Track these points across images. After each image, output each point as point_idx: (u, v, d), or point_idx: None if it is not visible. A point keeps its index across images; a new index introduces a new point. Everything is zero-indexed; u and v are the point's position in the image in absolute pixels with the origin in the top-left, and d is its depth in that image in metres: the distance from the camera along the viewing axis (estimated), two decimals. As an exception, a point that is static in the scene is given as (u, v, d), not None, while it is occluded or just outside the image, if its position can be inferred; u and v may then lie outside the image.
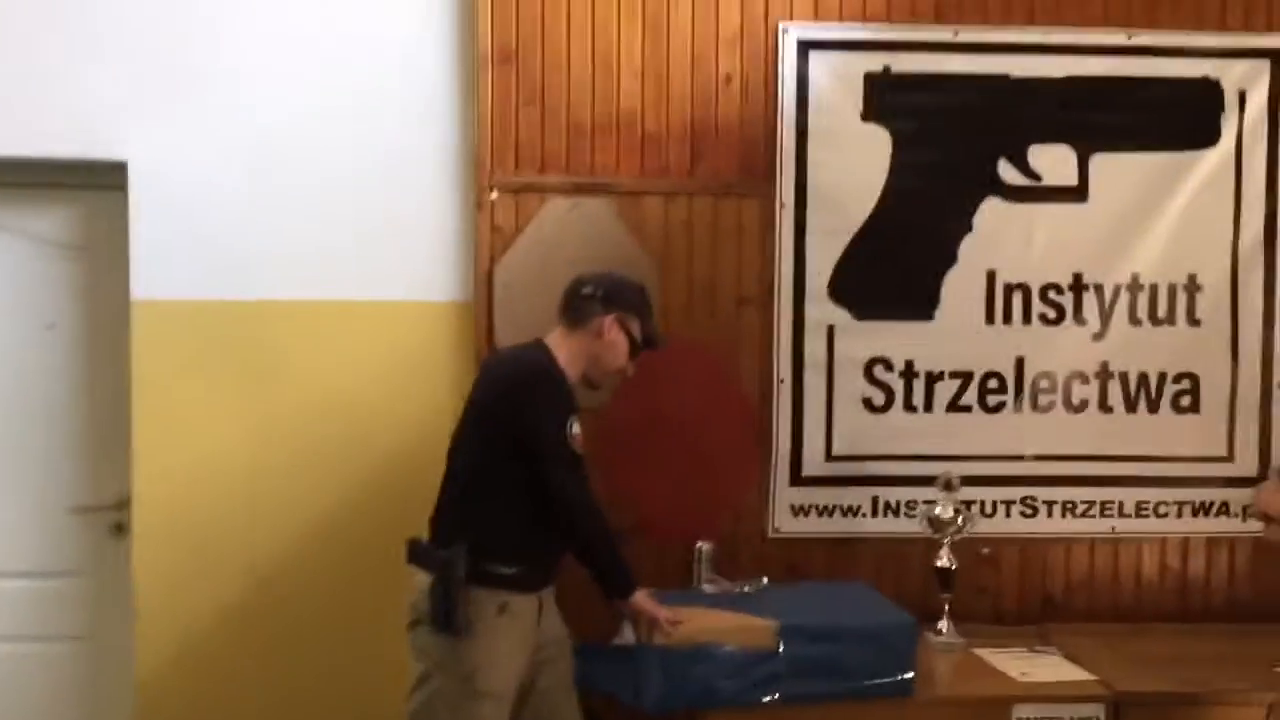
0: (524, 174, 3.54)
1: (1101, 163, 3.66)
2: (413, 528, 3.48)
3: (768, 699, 2.99)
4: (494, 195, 3.53)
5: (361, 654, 3.55)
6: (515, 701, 2.95)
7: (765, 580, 3.37)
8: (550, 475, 2.88)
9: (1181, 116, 3.69)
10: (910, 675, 3.08)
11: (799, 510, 3.63)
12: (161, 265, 3.48)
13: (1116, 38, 3.64)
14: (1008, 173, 3.66)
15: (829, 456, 3.65)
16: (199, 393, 3.52)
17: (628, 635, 3.12)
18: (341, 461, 3.55)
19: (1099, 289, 3.68)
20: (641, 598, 2.99)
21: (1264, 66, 3.68)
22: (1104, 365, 3.70)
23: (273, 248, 3.52)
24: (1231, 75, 3.67)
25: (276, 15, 3.52)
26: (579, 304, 3.04)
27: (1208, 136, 3.69)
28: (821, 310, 3.62)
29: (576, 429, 2.93)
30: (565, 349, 3.01)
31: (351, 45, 3.53)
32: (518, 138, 3.54)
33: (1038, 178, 3.66)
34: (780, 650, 3.00)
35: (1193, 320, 3.71)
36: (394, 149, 3.55)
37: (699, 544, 3.50)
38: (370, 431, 3.55)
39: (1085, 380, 3.70)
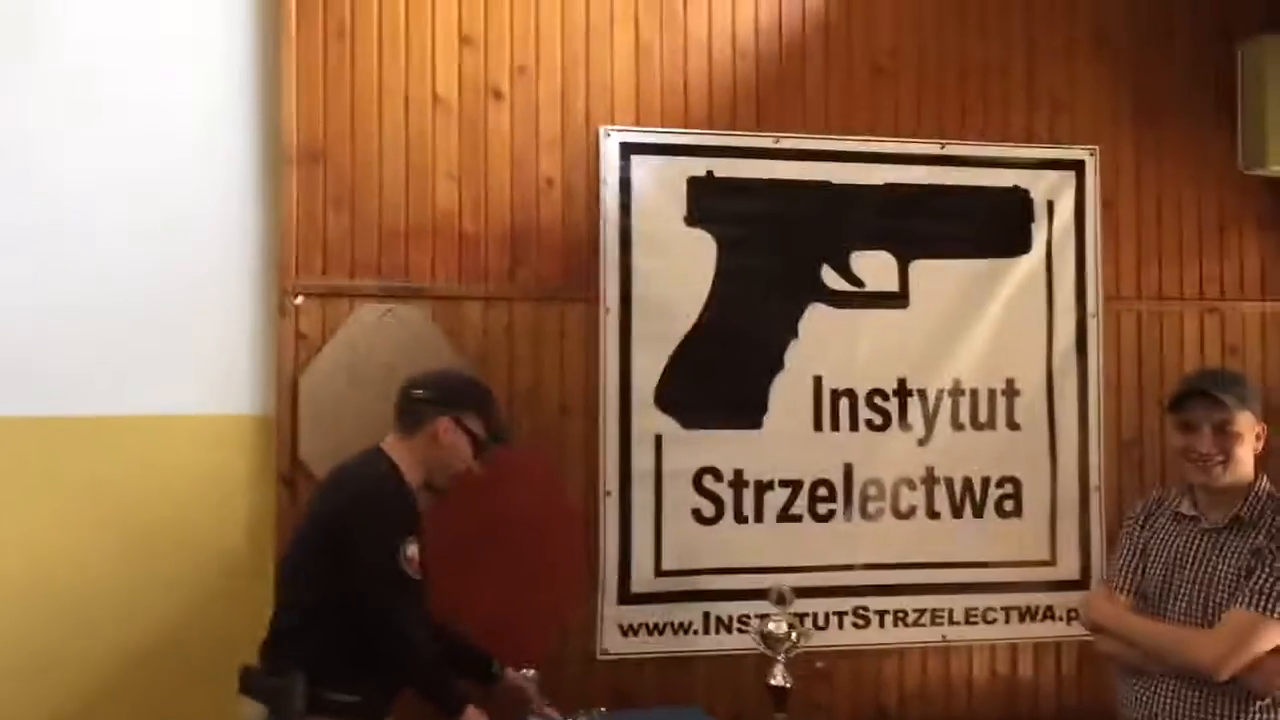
0: (332, 278, 3.35)
1: (921, 269, 3.69)
2: (217, 659, 3.20)
3: None
4: (299, 300, 3.32)
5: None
6: None
7: (602, 710, 3.16)
8: (376, 603, 2.68)
9: (995, 224, 3.76)
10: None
11: (628, 629, 3.46)
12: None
13: (931, 148, 3.71)
14: (831, 278, 3.65)
15: (659, 571, 3.50)
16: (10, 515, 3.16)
17: None
18: (145, 584, 3.23)
19: (923, 394, 3.69)
20: (472, 714, 2.77)
21: (1070, 178, 3.80)
22: (930, 470, 3.70)
23: (59, 358, 3.22)
24: (1040, 185, 3.78)
25: (65, 81, 3.25)
26: (412, 408, 2.88)
27: (1020, 244, 3.77)
28: (648, 419, 3.51)
29: (412, 551, 2.72)
30: (403, 457, 2.84)
31: (144, 124, 3.29)
32: (325, 240, 3.35)
33: (860, 283, 3.67)
34: None
35: (1012, 424, 3.75)
36: (189, 249, 3.31)
37: (524, 670, 3.27)
38: (172, 554, 3.25)
39: (912, 486, 3.69)
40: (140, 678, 3.23)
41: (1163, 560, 2.70)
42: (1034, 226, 3.77)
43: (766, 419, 3.58)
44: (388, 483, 2.78)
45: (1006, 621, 3.73)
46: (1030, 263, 3.76)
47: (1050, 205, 3.78)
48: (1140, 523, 2.80)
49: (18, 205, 3.23)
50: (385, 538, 2.70)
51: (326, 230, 3.35)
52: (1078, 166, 3.80)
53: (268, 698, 2.65)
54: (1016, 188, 3.77)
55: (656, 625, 3.49)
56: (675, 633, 3.50)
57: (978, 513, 3.72)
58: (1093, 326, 3.80)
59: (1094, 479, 3.78)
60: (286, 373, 3.31)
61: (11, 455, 3.19)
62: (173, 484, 3.26)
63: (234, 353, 3.33)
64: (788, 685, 3.34)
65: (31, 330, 3.22)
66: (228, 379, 3.32)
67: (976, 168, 3.73)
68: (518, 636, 3.31)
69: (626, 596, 3.47)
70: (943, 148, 3.71)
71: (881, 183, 3.68)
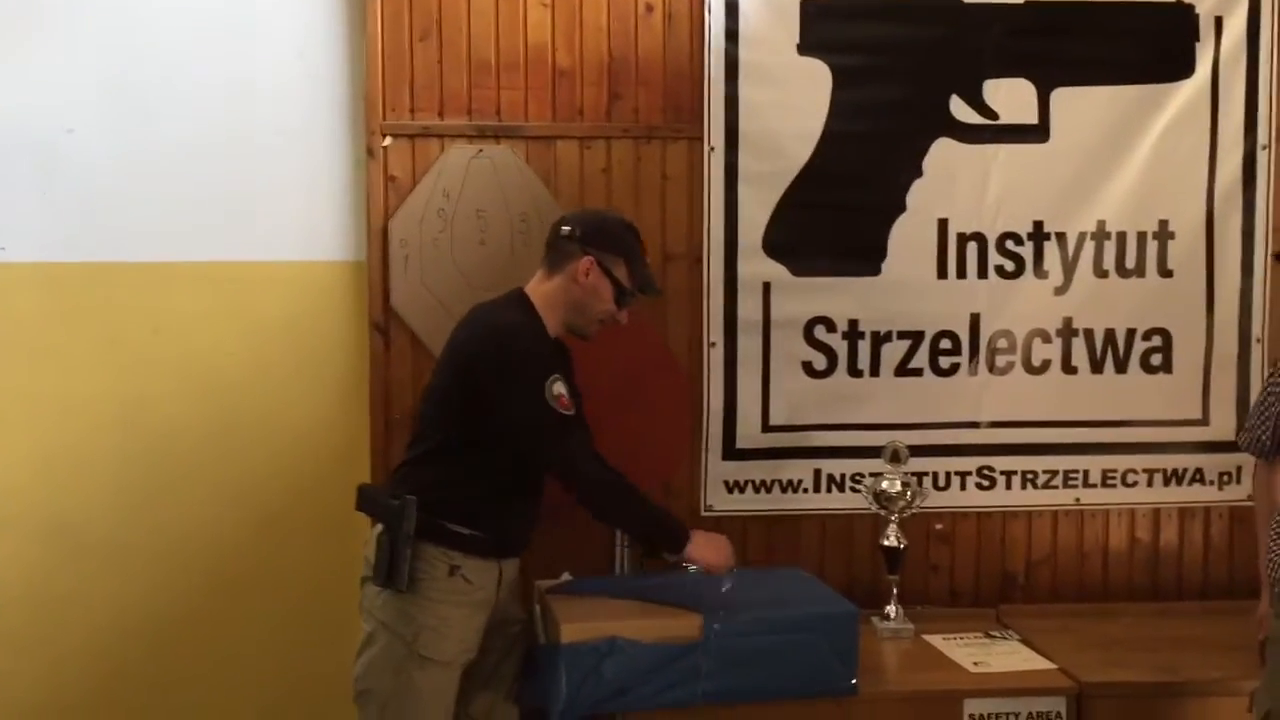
0: (421, 118, 3.20)
1: (1064, 98, 3.33)
2: (309, 505, 3.28)
3: (689, 698, 2.69)
4: (387, 142, 3.19)
5: (261, 655, 3.27)
6: (475, 675, 2.74)
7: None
8: (536, 448, 2.66)
9: (1152, 46, 3.36)
10: (851, 670, 2.78)
11: (733, 486, 3.32)
12: (14, 223, 3.14)
13: (1081, -41, 3.31)
14: (960, 110, 3.32)
15: (766, 427, 3.33)
16: (61, 367, 3.18)
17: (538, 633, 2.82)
18: (227, 438, 3.24)
19: (1061, 238, 3.37)
20: (702, 542, 2.76)
21: (1243, -12, 3.36)
22: (1067, 322, 3.39)
23: (141, 204, 3.17)
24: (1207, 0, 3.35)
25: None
26: (557, 244, 2.77)
27: (1181, 67, 3.36)
28: (756, 266, 3.29)
29: (559, 389, 2.65)
30: (543, 295, 2.75)
31: (225, -27, 3.17)
32: (413, 77, 3.19)
33: (994, 115, 3.33)
34: (703, 643, 2.69)
35: (1164, 271, 3.40)
36: (273, 92, 3.20)
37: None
38: (255, 406, 3.24)
39: (1047, 339, 3.39)
40: (232, 520, 3.26)
41: None
42: (1198, 46, 3.34)
43: (885, 265, 3.32)
44: (525, 326, 2.70)
45: (1149, 484, 3.44)
46: (1192, 88, 3.35)
47: (1218, 22, 3.34)
48: None
49: (106, 55, 3.17)
50: (528, 381, 2.63)
51: (414, 66, 3.19)
52: (1253, -23, 3.34)
53: (382, 515, 2.67)
54: (1179, 3, 3.33)
55: (763, 482, 3.33)
56: (783, 490, 3.34)
57: (1120, 368, 3.41)
58: (1263, 160, 3.38)
59: (1255, 330, 3.41)
60: (377, 217, 3.20)
61: (103, 301, 3.19)
62: (262, 332, 3.23)
63: (323, 197, 3.23)
64: (902, 546, 3.21)
65: (120, 178, 3.18)
66: (317, 224, 3.23)
67: (1133, -20, 3.31)
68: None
69: (731, 452, 3.32)
70: (1095, -41, 3.31)
71: (1021, 0, 3.30)
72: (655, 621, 2.72)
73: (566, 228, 2.76)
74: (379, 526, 2.69)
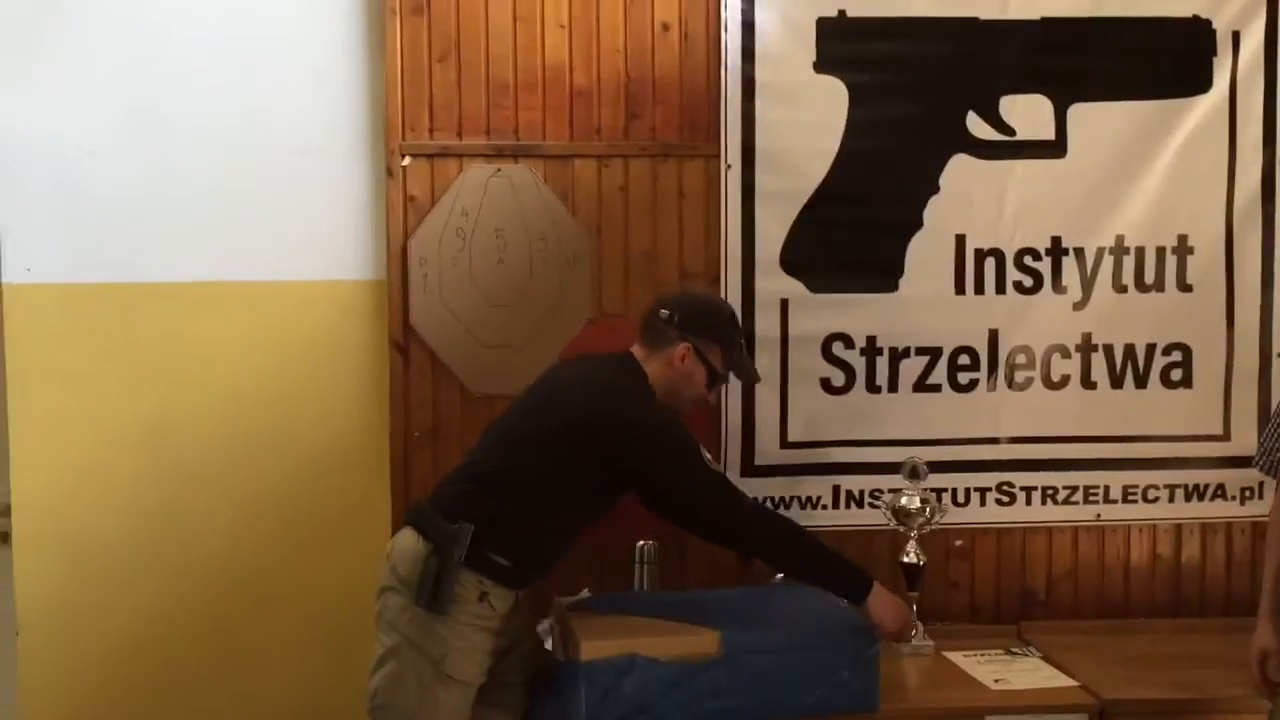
0: (439, 138, 3.21)
1: (1081, 113, 3.32)
2: (329, 524, 3.29)
3: (709, 717, 2.68)
4: (406, 162, 3.20)
5: (281, 671, 3.28)
6: (484, 696, 2.75)
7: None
8: (707, 519, 2.76)
9: (1169, 60, 3.34)
10: (872, 688, 2.78)
11: (752, 503, 3.31)
12: (34, 245, 3.17)
13: (1097, -26, 3.31)
14: (977, 127, 3.32)
15: (784, 443, 3.33)
16: (84, 387, 3.20)
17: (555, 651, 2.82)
18: (247, 457, 3.25)
19: (1080, 253, 3.35)
20: (882, 600, 2.78)
21: (1259, 3, 3.33)
22: (1086, 337, 3.38)
23: (161, 224, 3.19)
24: (1224, 14, 3.33)
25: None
26: (655, 327, 2.84)
27: (1199, 82, 3.34)
28: (774, 283, 3.29)
29: (706, 453, 2.77)
30: (648, 370, 2.83)
31: (244, -2, 3.21)
32: (431, 97, 3.21)
33: (1011, 131, 3.32)
34: (723, 660, 2.69)
35: (1184, 286, 3.38)
36: (293, 112, 3.22)
37: (640, 542, 3.18)
38: (276, 425, 3.25)
39: (1066, 354, 3.38)
40: (254, 538, 3.27)
41: None
42: (1215, 61, 3.33)
43: (903, 281, 3.32)
44: (657, 400, 2.79)
45: (1170, 500, 3.42)
46: (1210, 103, 3.34)
47: (1235, 36, 3.33)
48: None
49: (127, 77, 3.19)
50: (691, 459, 2.72)
51: (433, 87, 3.20)
52: (1271, -10, 3.33)
53: (436, 537, 2.66)
54: (1196, 17, 3.32)
55: (782, 499, 3.32)
56: (801, 507, 3.33)
57: (1140, 383, 3.39)
58: (1282, 174, 3.38)
59: (1276, 344, 3.39)
60: (396, 237, 3.21)
61: (125, 321, 3.21)
62: (283, 351, 3.24)
63: (343, 217, 3.24)
64: (921, 563, 3.20)
65: (142, 200, 3.20)
66: (337, 244, 3.24)
67: (1149, -5, 3.31)
68: (633, 514, 3.21)
69: (750, 469, 3.31)
70: (1111, -26, 3.31)
71: (1037, 17, 3.29)
72: (674, 639, 2.71)
73: (665, 311, 2.82)
74: (420, 544, 2.67)
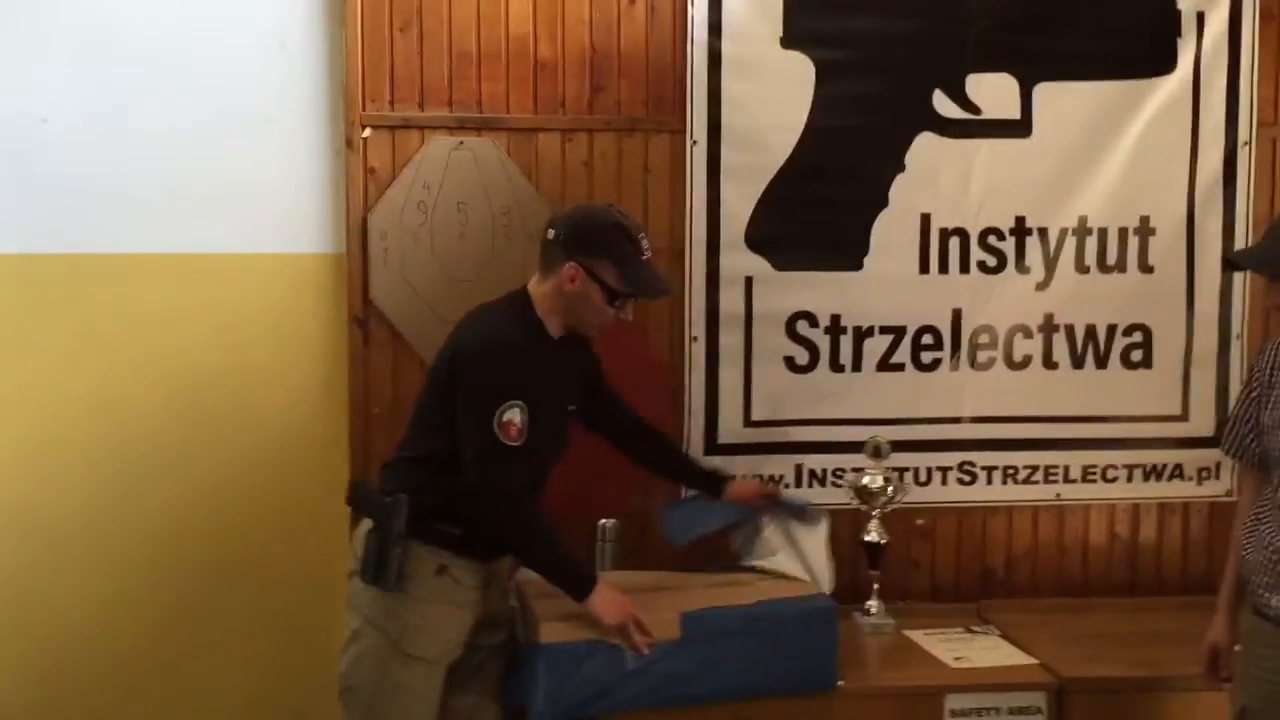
0: (401, 109, 3.16)
1: (1046, 93, 3.32)
2: (288, 500, 3.25)
3: (671, 700, 2.68)
4: (367, 133, 3.15)
5: (238, 651, 3.26)
6: (461, 673, 2.71)
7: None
8: (466, 468, 2.58)
9: (1134, 41, 3.35)
10: (832, 666, 2.79)
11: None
12: (-16, 215, 3.10)
13: (1064, -47, 3.30)
14: (943, 105, 3.31)
15: (748, 422, 3.32)
16: (34, 360, 3.14)
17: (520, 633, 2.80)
18: (203, 432, 3.21)
19: (1043, 233, 3.36)
20: (601, 599, 2.63)
21: (1224, -15, 3.35)
22: (1048, 318, 3.39)
23: (115, 195, 3.14)
24: (1189, -5, 3.35)
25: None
26: (545, 249, 2.67)
27: (1163, 63, 3.35)
28: (739, 260, 3.27)
29: (511, 416, 2.55)
30: (541, 298, 2.67)
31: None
32: (393, 67, 3.16)
33: (976, 110, 3.32)
34: (682, 643, 2.68)
35: (1145, 267, 3.40)
36: (251, 82, 3.16)
37: (602, 521, 3.17)
38: (234, 400, 3.21)
39: (1028, 334, 3.39)
40: (210, 514, 3.23)
41: None
42: (1180, 42, 3.34)
43: (867, 260, 3.31)
44: (505, 338, 2.61)
45: (1129, 480, 3.45)
46: (1173, 84, 3.34)
47: (1200, 17, 3.34)
48: (1265, 372, 2.53)
49: (81, 44, 3.12)
50: (483, 402, 2.57)
51: (394, 56, 3.15)
52: (1235, -27, 3.34)
53: (374, 513, 2.63)
54: (1161, -1, 3.34)
55: (745, 477, 3.27)
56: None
57: (1101, 363, 3.41)
58: (1244, 156, 3.38)
59: (1235, 326, 3.42)
60: (356, 210, 3.16)
61: (78, 293, 3.15)
62: (241, 325, 3.19)
63: (301, 189, 3.20)
64: (883, 542, 3.21)
65: (96, 169, 3.14)
66: (296, 216, 3.20)
67: (1115, -25, 3.30)
68: (600, 488, 3.19)
69: (713, 447, 3.30)
70: (1078, -47, 3.30)
71: (1004, -5, 3.30)
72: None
73: (552, 231, 2.67)
74: (367, 523, 2.66)
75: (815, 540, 2.99)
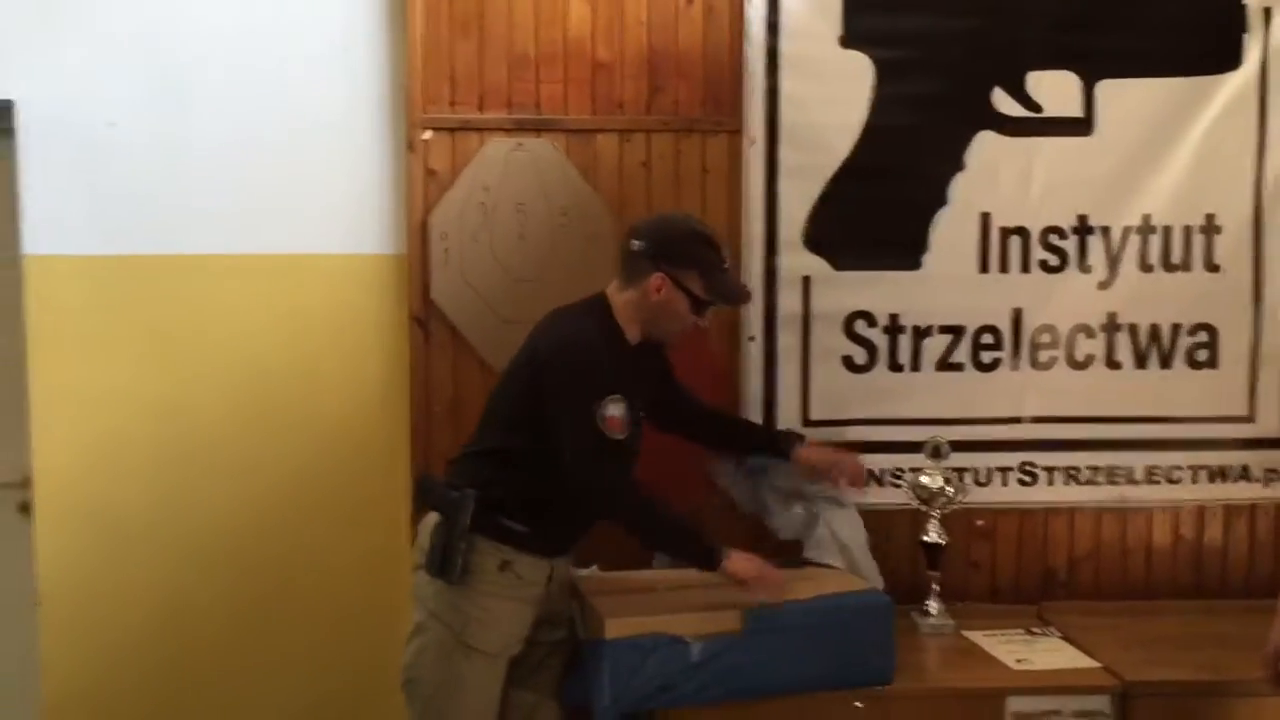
0: (461, 111, 3.19)
1: (1108, 90, 3.28)
2: (350, 497, 3.29)
3: (732, 694, 2.69)
4: (427, 135, 3.18)
5: (304, 647, 3.29)
6: (521, 669, 2.75)
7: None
8: (569, 463, 2.63)
9: (1199, 37, 3.30)
10: (889, 660, 2.79)
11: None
12: (57, 217, 3.15)
13: (1127, -51, 3.27)
14: (1004, 103, 3.28)
15: (806, 421, 3.30)
16: (104, 359, 3.19)
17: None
18: (267, 430, 3.25)
19: (1106, 232, 3.32)
20: (736, 563, 2.69)
21: (1292, -20, 3.30)
22: (1111, 317, 3.35)
23: (182, 196, 3.18)
24: (1256, -12, 3.30)
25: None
26: (628, 260, 2.73)
27: (1228, 59, 3.30)
28: (796, 259, 3.27)
29: (613, 410, 2.62)
30: (622, 305, 2.74)
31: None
32: (453, 70, 3.18)
33: (1037, 108, 3.29)
34: (745, 636, 2.69)
35: (1211, 266, 3.35)
36: (314, 85, 3.20)
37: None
38: (296, 398, 3.24)
39: (1090, 334, 3.35)
40: (275, 511, 3.26)
41: None
42: (1246, 38, 3.29)
43: (926, 259, 3.29)
44: (595, 339, 2.67)
45: (1194, 482, 3.40)
46: (1240, 80, 3.30)
47: (1267, 12, 3.29)
48: None
49: (148, 48, 3.17)
50: (582, 400, 2.62)
51: (454, 59, 3.18)
52: (1304, -34, 3.28)
53: (441, 507, 2.68)
54: (1227, -8, 3.30)
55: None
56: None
57: (1165, 363, 3.37)
58: (1312, 154, 3.34)
59: (1303, 326, 3.37)
60: (416, 211, 3.19)
61: (146, 293, 3.20)
62: (304, 326, 3.23)
63: (363, 190, 3.23)
64: (943, 542, 3.19)
65: (162, 172, 3.18)
66: (357, 217, 3.23)
67: (1180, -30, 3.27)
68: (664, 488, 3.18)
69: (771, 447, 3.30)
70: (1142, -53, 3.27)
71: (1066, -9, 3.27)
72: (698, 616, 2.71)
73: (637, 242, 2.71)
74: (434, 516, 2.70)
75: (858, 538, 3.03)
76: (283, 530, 3.27)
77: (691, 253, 2.72)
